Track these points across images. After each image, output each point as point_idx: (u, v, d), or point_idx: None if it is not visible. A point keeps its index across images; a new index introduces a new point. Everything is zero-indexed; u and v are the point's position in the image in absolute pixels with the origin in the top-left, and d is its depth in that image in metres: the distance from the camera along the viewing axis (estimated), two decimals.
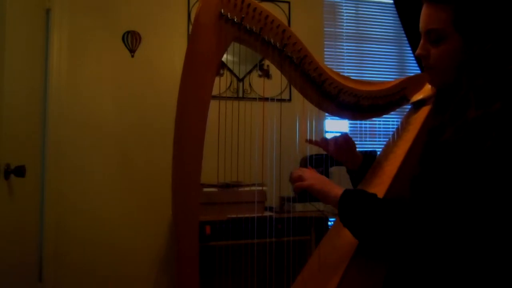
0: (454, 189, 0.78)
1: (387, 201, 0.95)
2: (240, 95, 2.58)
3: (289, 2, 2.72)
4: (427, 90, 1.13)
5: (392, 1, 2.86)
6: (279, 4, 2.69)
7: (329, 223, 2.34)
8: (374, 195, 0.94)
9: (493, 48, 0.80)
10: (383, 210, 0.88)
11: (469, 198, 0.76)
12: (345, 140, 1.22)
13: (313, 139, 1.22)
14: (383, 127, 2.73)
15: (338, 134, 1.23)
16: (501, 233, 0.78)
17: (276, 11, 2.66)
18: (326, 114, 1.15)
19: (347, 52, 2.92)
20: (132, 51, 2.48)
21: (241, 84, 2.60)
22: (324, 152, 1.25)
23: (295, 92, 1.21)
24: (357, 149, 1.26)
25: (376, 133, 2.71)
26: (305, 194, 1.03)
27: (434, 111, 1.04)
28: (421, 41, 0.92)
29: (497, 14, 0.82)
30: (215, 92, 0.97)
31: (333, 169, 2.27)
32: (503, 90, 0.77)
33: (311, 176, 1.03)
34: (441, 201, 0.80)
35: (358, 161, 1.23)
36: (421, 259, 0.85)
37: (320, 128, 2.58)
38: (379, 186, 1.05)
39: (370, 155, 1.24)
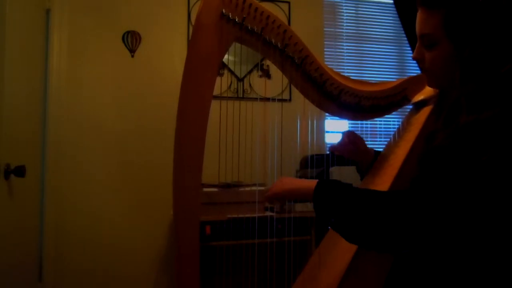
0: (447, 194, 0.77)
1: (364, 190, 0.93)
2: (240, 95, 2.58)
3: (289, 2, 2.72)
4: (428, 90, 1.13)
5: (392, 1, 2.86)
6: (279, 4, 2.69)
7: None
8: (350, 184, 0.91)
9: (483, 53, 0.80)
10: (361, 199, 0.86)
11: (461, 204, 0.76)
12: (350, 139, 1.19)
13: (314, 139, 1.22)
14: (384, 128, 2.73)
15: (341, 134, 1.21)
16: (496, 234, 0.78)
17: (276, 11, 2.66)
18: (326, 114, 1.15)
19: (347, 52, 2.92)
20: (132, 51, 2.47)
21: (241, 84, 2.60)
22: (324, 152, 1.25)
23: (295, 92, 1.21)
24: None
25: (377, 133, 2.71)
26: None
27: (434, 115, 1.04)
28: (417, 45, 0.93)
29: (487, 19, 0.81)
30: (215, 92, 0.97)
31: (333, 169, 2.27)
32: (495, 95, 0.77)
33: (276, 184, 1.01)
34: (433, 199, 0.79)
35: (370, 158, 1.21)
36: (410, 254, 0.85)
37: (321, 128, 2.58)
38: (380, 186, 1.05)
39: (380, 151, 1.23)
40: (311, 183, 0.92)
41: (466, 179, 0.75)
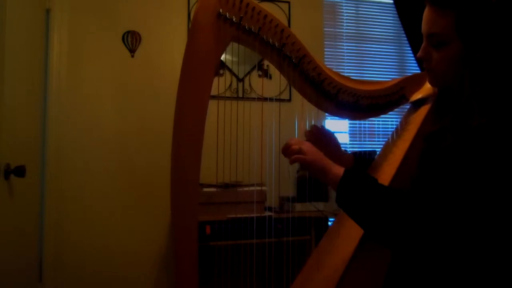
0: (455, 194, 0.77)
1: (388, 189, 0.91)
2: (240, 95, 2.58)
3: (289, 2, 2.72)
4: (426, 89, 1.13)
5: (392, 1, 2.86)
6: (279, 4, 2.69)
7: (329, 223, 2.33)
8: (375, 180, 0.91)
9: (495, 55, 0.80)
10: (384, 198, 0.85)
11: (469, 205, 0.76)
12: (320, 133, 1.13)
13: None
14: (382, 127, 2.72)
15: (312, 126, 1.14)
16: (503, 236, 0.78)
17: (276, 11, 2.66)
18: (326, 114, 1.15)
19: (347, 52, 2.92)
20: (132, 51, 2.48)
21: (241, 84, 2.60)
22: None
23: (295, 92, 1.20)
24: (345, 149, 1.21)
25: (375, 132, 2.71)
26: (304, 193, 1.01)
27: (434, 115, 1.04)
28: (423, 44, 0.91)
29: (500, 21, 0.81)
30: (214, 92, 0.97)
31: None
32: (506, 98, 0.77)
33: (311, 151, 0.96)
34: (442, 201, 0.79)
35: (347, 164, 1.16)
36: (420, 256, 0.84)
37: None
38: None
39: (364, 158, 1.20)
40: (339, 171, 0.91)
41: (479, 182, 0.75)
